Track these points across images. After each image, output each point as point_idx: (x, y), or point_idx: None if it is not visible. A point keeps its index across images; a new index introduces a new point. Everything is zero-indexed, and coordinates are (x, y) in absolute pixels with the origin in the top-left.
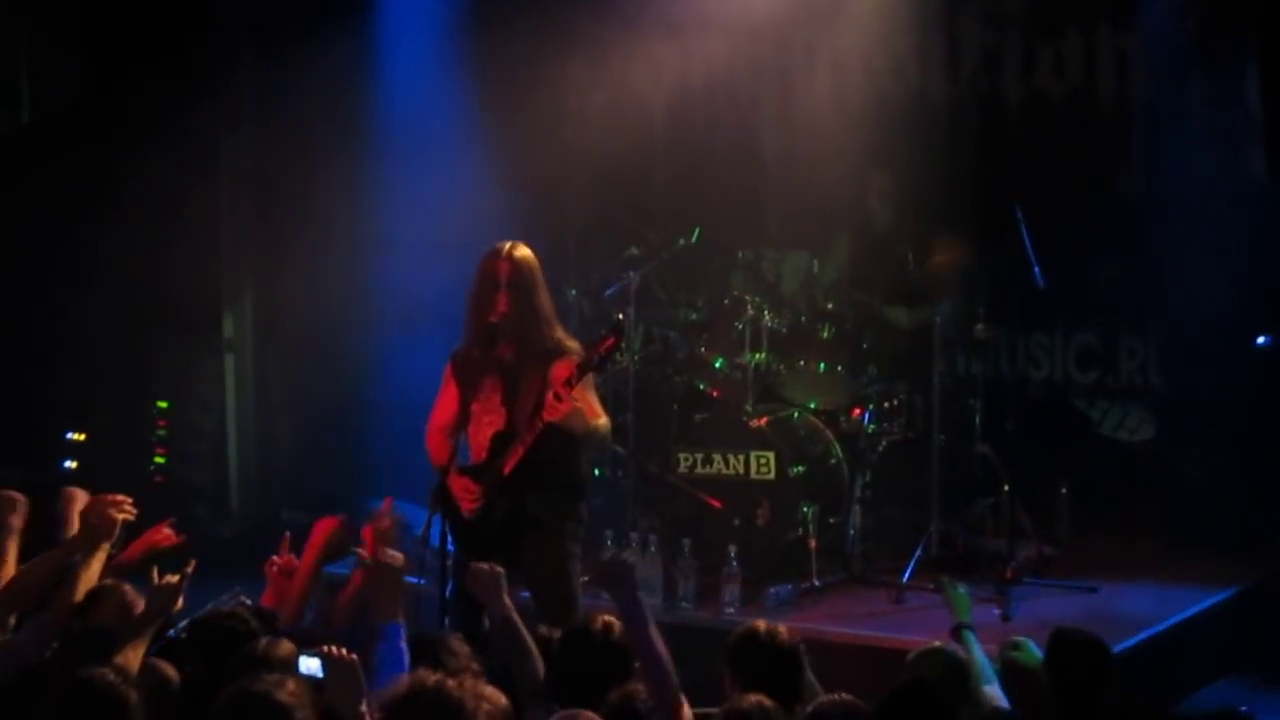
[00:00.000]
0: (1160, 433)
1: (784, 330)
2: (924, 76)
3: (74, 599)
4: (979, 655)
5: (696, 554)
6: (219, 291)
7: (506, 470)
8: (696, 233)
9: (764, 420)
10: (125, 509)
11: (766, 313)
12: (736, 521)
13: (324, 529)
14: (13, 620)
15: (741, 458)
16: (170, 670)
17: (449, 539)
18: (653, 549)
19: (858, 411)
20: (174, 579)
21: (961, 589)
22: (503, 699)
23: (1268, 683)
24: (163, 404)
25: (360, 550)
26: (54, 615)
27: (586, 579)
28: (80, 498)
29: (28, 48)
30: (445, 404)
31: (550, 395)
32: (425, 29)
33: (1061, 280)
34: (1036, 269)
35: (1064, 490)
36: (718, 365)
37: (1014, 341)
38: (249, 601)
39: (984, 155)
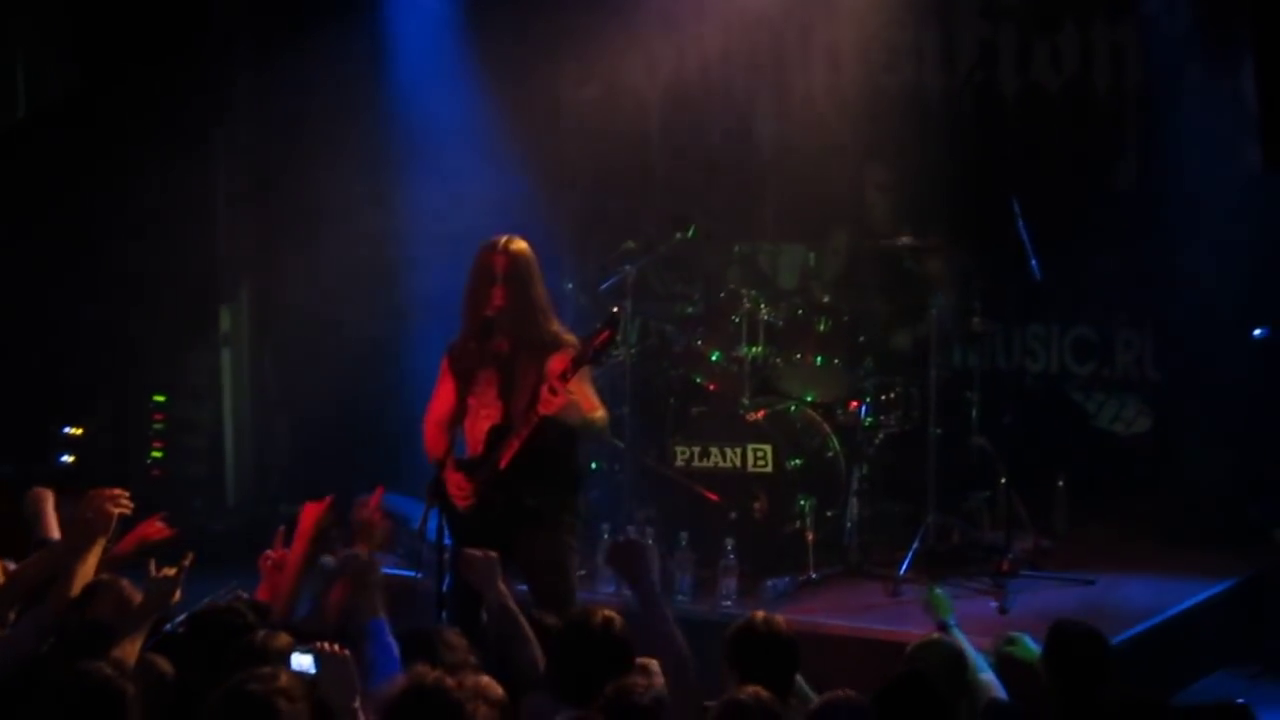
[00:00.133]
0: (1157, 425)
1: (780, 323)
2: (920, 70)
3: (70, 593)
4: (969, 649)
5: (693, 547)
6: (216, 286)
7: (503, 464)
8: (692, 230)
9: (761, 413)
10: (122, 503)
11: (763, 306)
12: (733, 514)
13: (311, 515)
14: (12, 616)
15: (738, 451)
16: (166, 664)
17: (446, 533)
18: (650, 542)
19: (855, 404)
20: (171, 572)
21: (939, 590)
22: (499, 691)
23: (1265, 674)
24: (159, 398)
25: (328, 557)
26: (50, 609)
27: (584, 573)
28: (49, 498)
29: (23, 43)
30: (442, 398)
31: (545, 388)
32: (423, 23)
33: (1058, 273)
34: (1033, 262)
35: (1061, 482)
36: (714, 359)
37: (1011, 334)
38: (246, 596)
39: (980, 148)
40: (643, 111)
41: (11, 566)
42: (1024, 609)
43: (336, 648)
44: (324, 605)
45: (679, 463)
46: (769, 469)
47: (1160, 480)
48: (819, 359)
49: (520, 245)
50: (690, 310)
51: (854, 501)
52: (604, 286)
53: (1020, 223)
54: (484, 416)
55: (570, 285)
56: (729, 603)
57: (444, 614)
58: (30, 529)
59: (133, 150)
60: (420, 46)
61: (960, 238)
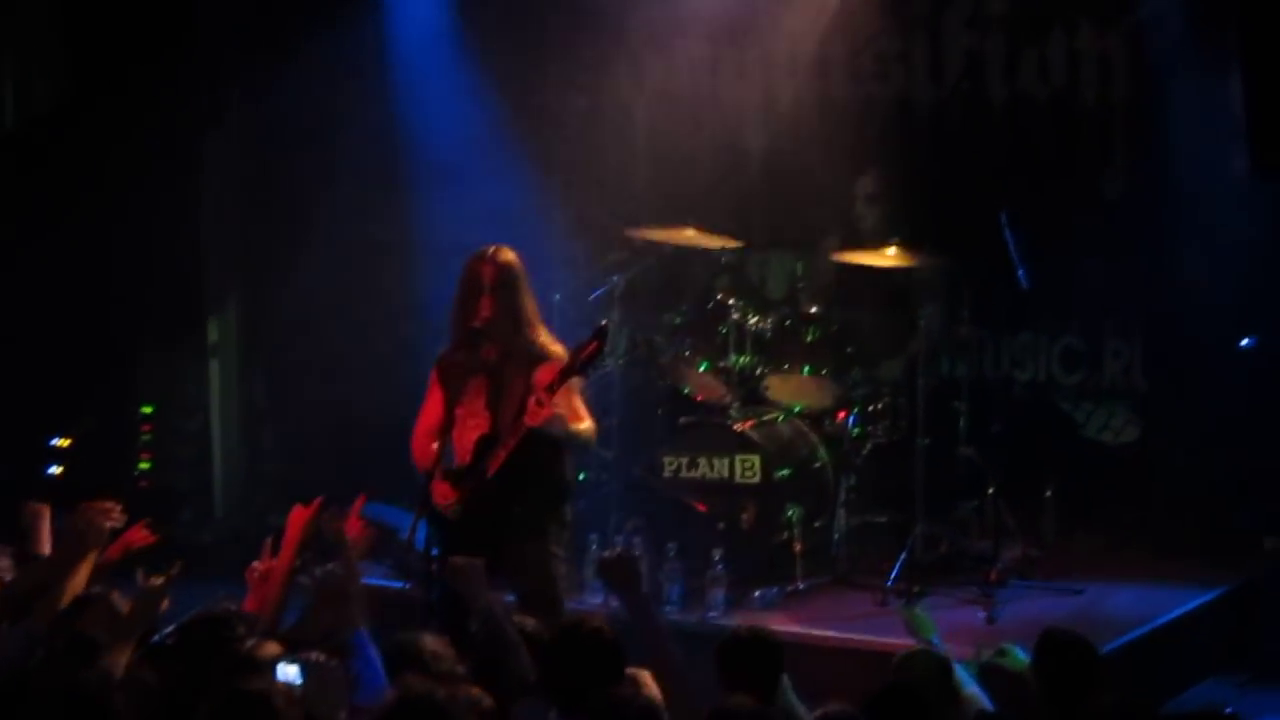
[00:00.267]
0: (1145, 434)
1: (769, 334)
2: (908, 80)
3: (60, 605)
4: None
5: (681, 557)
6: (204, 296)
7: (490, 473)
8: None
9: (749, 423)
10: (114, 516)
11: (751, 316)
12: (721, 525)
13: (298, 522)
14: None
15: (726, 461)
16: (153, 675)
17: (434, 543)
18: (637, 553)
19: (843, 414)
20: (159, 582)
21: (919, 610)
22: (489, 701)
23: (1254, 682)
24: (147, 409)
25: (303, 578)
26: (39, 621)
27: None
28: (46, 513)
29: (12, 52)
30: (430, 408)
31: (532, 400)
32: (413, 31)
33: (1046, 282)
34: (1021, 270)
35: (1049, 492)
36: (702, 369)
37: (999, 343)
38: (234, 606)
39: (968, 158)
40: (630, 121)
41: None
42: (1012, 618)
43: (324, 658)
44: (311, 615)
45: (667, 473)
46: (757, 479)
47: (1149, 489)
48: (807, 369)
49: (508, 255)
50: (678, 320)
51: (842, 512)
52: (592, 296)
53: (1008, 232)
54: (472, 427)
55: (558, 296)
56: (716, 613)
57: (433, 623)
58: (23, 542)
59: (121, 159)
60: (411, 55)
61: (948, 247)
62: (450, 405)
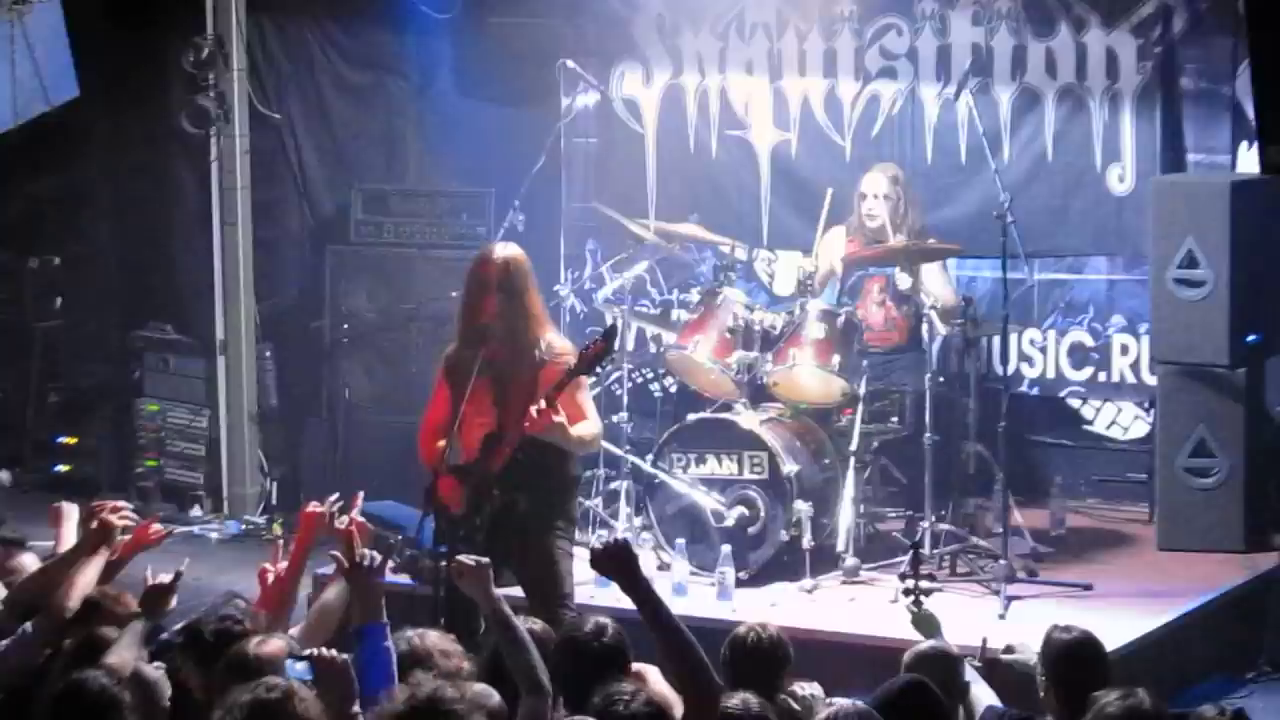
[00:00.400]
0: (1153, 430)
1: (776, 330)
2: (916, 76)
3: (69, 604)
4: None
5: (689, 554)
6: (211, 293)
7: (495, 470)
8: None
9: (757, 420)
10: (124, 515)
11: (759, 312)
12: (730, 522)
13: (310, 521)
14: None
15: (734, 458)
16: (161, 673)
17: (441, 540)
18: (646, 549)
19: (850, 411)
20: (166, 579)
21: (925, 606)
22: (496, 699)
23: (1262, 680)
24: (153, 407)
25: (336, 554)
26: (48, 621)
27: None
28: (74, 514)
29: (18, 47)
30: (437, 406)
31: (531, 409)
32: (423, 25)
33: (1054, 278)
34: (1029, 266)
35: (1057, 488)
36: (710, 365)
37: (1007, 339)
38: (242, 603)
39: (975, 152)
40: (639, 118)
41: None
42: (1021, 615)
43: (333, 653)
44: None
45: (674, 470)
46: (765, 476)
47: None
48: (815, 365)
49: (515, 253)
50: (686, 317)
51: (850, 508)
52: (598, 294)
53: (1015, 227)
54: (479, 425)
55: (565, 293)
56: (726, 610)
57: (441, 621)
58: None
59: (127, 155)
60: (421, 48)
61: (954, 243)
62: (457, 403)
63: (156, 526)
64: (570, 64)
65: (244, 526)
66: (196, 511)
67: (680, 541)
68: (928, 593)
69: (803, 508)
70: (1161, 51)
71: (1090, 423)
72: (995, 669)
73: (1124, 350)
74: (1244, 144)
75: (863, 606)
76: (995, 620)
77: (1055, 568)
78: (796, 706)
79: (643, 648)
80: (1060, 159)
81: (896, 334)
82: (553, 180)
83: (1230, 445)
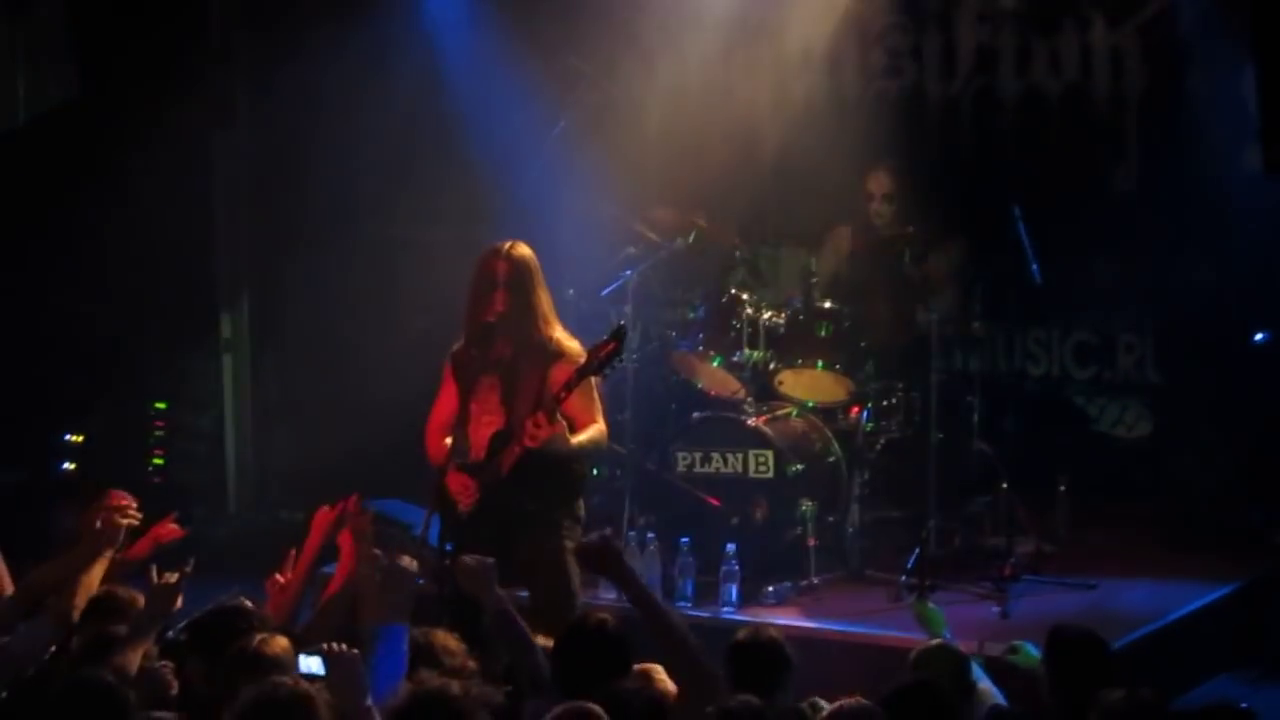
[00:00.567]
0: (1158, 429)
1: (782, 328)
2: (920, 74)
3: (75, 602)
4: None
5: (695, 553)
6: (216, 292)
7: (505, 469)
8: (694, 234)
9: (762, 419)
10: (130, 514)
11: (764, 311)
12: (735, 520)
13: (322, 524)
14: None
15: (740, 456)
16: (167, 672)
17: (447, 538)
18: (651, 548)
19: (856, 409)
20: (172, 578)
21: (930, 605)
22: (500, 697)
23: (1266, 678)
24: (160, 405)
25: (378, 553)
26: (54, 618)
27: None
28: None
29: (24, 51)
30: (444, 403)
31: (530, 423)
32: (423, 26)
33: (1059, 277)
34: (1034, 265)
35: (1062, 487)
36: (715, 364)
37: (1011, 338)
38: (248, 602)
39: (980, 152)
40: (642, 116)
41: None
42: (1025, 613)
43: (344, 648)
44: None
45: (680, 468)
46: (770, 474)
47: (1162, 484)
48: (820, 364)
49: (522, 250)
50: (691, 315)
51: (855, 507)
52: (605, 292)
53: (1021, 226)
54: (486, 423)
55: (571, 291)
56: (730, 608)
57: (445, 619)
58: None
59: (133, 156)
60: (423, 53)
61: (960, 241)
62: (464, 400)
63: (172, 525)
64: (574, 61)
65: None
66: (201, 510)
67: (685, 540)
68: (932, 590)
69: (808, 506)
70: (1167, 51)
71: (1095, 421)
72: (999, 668)
73: (1129, 348)
74: (1248, 143)
75: (867, 605)
76: (999, 619)
77: (1059, 566)
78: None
79: (650, 647)
80: (1065, 157)
81: (902, 332)
82: (557, 178)
83: None
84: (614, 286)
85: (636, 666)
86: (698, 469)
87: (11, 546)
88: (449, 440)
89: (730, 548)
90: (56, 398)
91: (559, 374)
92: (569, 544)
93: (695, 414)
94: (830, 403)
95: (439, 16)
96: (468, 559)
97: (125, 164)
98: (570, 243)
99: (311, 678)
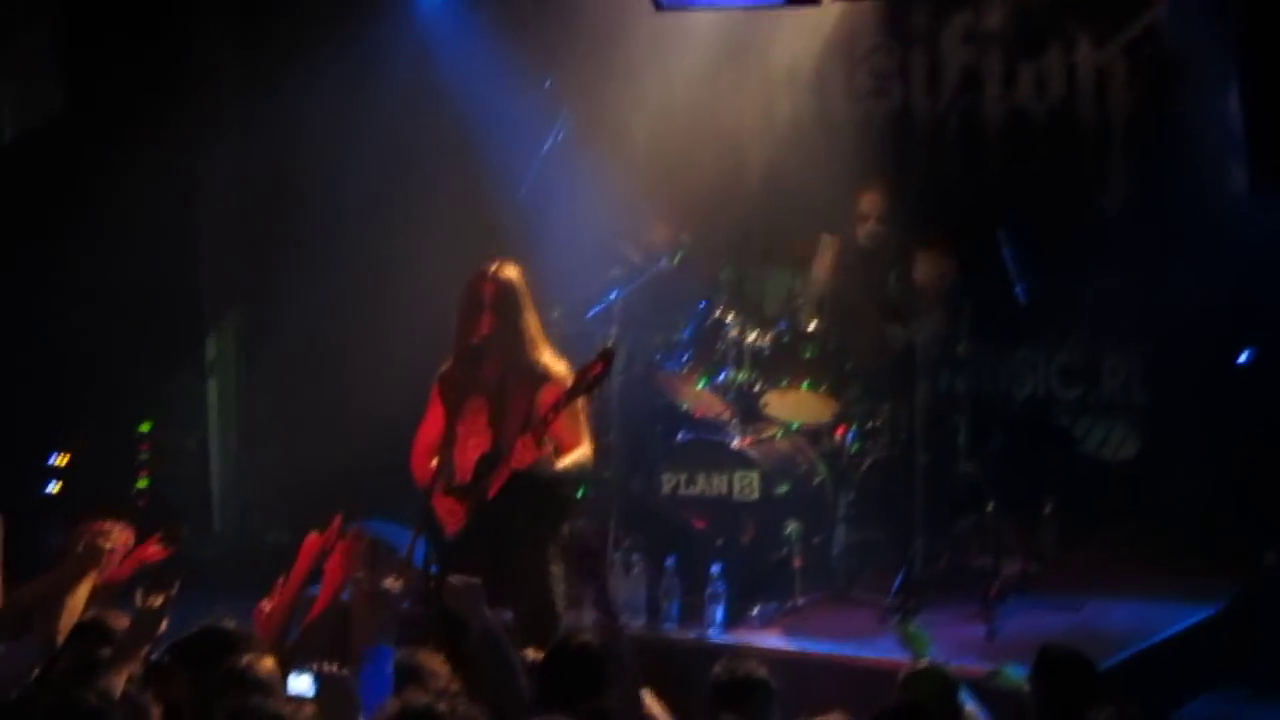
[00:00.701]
0: (1144, 449)
1: (767, 349)
2: (906, 95)
3: (59, 624)
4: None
5: (680, 574)
6: (201, 312)
7: (491, 492)
8: (679, 255)
9: (747, 440)
10: (111, 537)
11: (749, 332)
12: (720, 541)
13: (310, 550)
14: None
15: (725, 477)
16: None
17: (433, 560)
18: (636, 569)
19: (841, 430)
20: (158, 601)
21: (914, 626)
22: (483, 718)
23: (1253, 698)
24: (145, 426)
25: (358, 576)
26: (37, 641)
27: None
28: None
29: (8, 69)
30: (431, 425)
31: (518, 445)
32: (409, 47)
33: (1044, 297)
34: (1019, 286)
35: (1048, 507)
36: (700, 385)
37: (997, 359)
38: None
39: (966, 172)
40: (629, 136)
41: None
42: (1012, 634)
43: (335, 668)
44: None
45: (665, 490)
46: (755, 495)
47: (1147, 505)
48: (805, 385)
49: (510, 272)
50: (676, 336)
51: (841, 528)
52: (590, 313)
53: (1006, 247)
54: (473, 445)
55: (557, 312)
56: (715, 630)
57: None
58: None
59: (118, 175)
60: (408, 68)
61: (946, 261)
62: (451, 422)
63: (156, 546)
64: (556, 82)
65: None
66: (186, 531)
67: (670, 561)
68: (917, 611)
69: (793, 527)
70: (1153, 71)
71: (1081, 442)
72: (986, 690)
73: (1115, 370)
74: (1235, 162)
75: (853, 626)
76: (986, 639)
77: (1046, 586)
78: None
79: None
80: (1051, 177)
81: (887, 353)
82: (543, 197)
83: None
84: (599, 308)
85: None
86: (683, 490)
87: None
88: (435, 462)
89: (716, 569)
90: (41, 419)
91: (547, 396)
92: (553, 567)
93: (680, 435)
94: (815, 424)
95: (426, 35)
96: (455, 579)
97: (110, 182)
98: (556, 263)
99: (301, 699)
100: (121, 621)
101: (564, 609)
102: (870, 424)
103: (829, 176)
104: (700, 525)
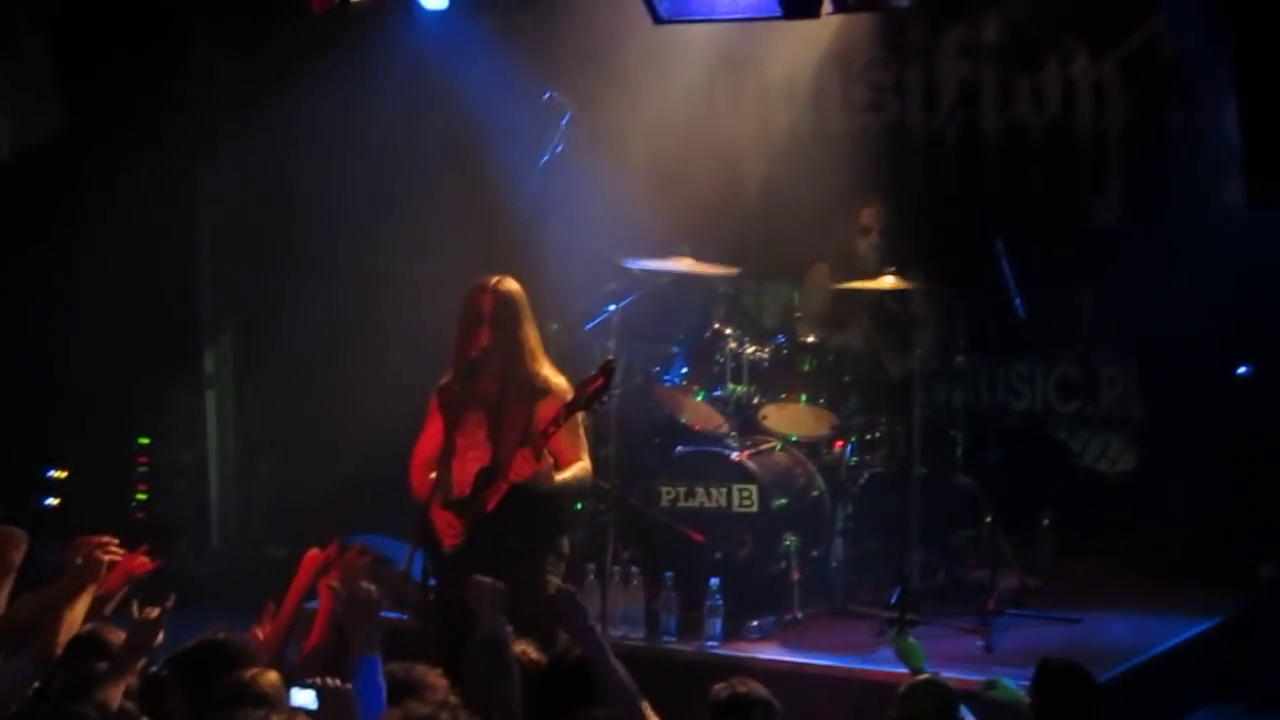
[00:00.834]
0: (1141, 463)
1: (765, 363)
2: (903, 109)
3: (57, 639)
4: None
5: (678, 587)
6: (199, 326)
7: (490, 506)
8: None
9: (746, 453)
10: (111, 551)
11: (747, 345)
12: (718, 554)
13: (310, 566)
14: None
15: (723, 490)
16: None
17: (431, 573)
18: (635, 582)
19: (839, 443)
20: (154, 614)
21: (910, 639)
22: None
23: (1249, 712)
24: (143, 440)
25: (335, 584)
26: (36, 655)
27: None
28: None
29: (6, 85)
30: (429, 438)
31: (517, 459)
32: (406, 59)
33: (1041, 311)
34: (1016, 299)
35: (1046, 521)
36: (699, 398)
37: (995, 372)
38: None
39: (963, 186)
40: (627, 149)
41: None
42: (1009, 647)
43: (338, 682)
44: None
45: (664, 503)
46: (754, 509)
47: (1145, 518)
48: (803, 398)
49: (509, 285)
50: (675, 350)
51: (839, 541)
52: (588, 326)
53: (1003, 260)
54: (472, 458)
55: (555, 325)
56: (714, 643)
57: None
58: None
59: (116, 190)
60: (405, 82)
61: (943, 275)
62: (450, 435)
63: (144, 558)
64: (556, 95)
65: None
66: (184, 545)
67: (668, 574)
68: (913, 624)
69: (791, 540)
70: (1149, 85)
71: (1079, 455)
72: (983, 703)
73: (1112, 383)
74: (1231, 176)
75: (851, 639)
76: (983, 652)
77: (1043, 599)
78: None
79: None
80: (1048, 191)
81: (885, 366)
82: (541, 211)
83: None
84: (597, 320)
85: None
86: (681, 503)
87: None
88: (434, 475)
89: (714, 582)
90: (40, 432)
91: (546, 410)
92: (553, 580)
93: (679, 448)
94: (813, 437)
95: (423, 49)
96: (484, 578)
97: (108, 197)
98: (554, 276)
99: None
100: (117, 635)
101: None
102: (868, 437)
103: (826, 189)
104: (699, 538)
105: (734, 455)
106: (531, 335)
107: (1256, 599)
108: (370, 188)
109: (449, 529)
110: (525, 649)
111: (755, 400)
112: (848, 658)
